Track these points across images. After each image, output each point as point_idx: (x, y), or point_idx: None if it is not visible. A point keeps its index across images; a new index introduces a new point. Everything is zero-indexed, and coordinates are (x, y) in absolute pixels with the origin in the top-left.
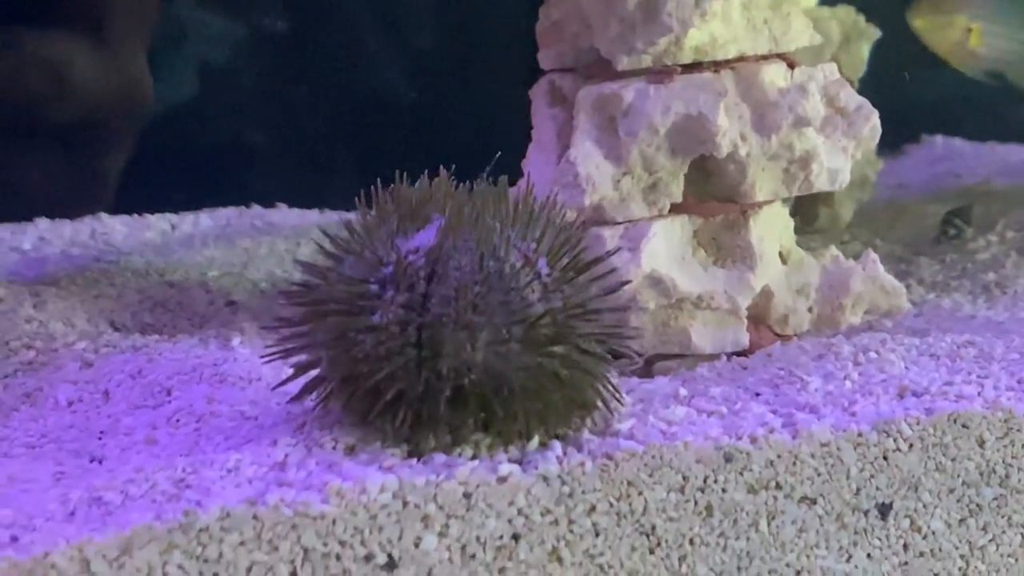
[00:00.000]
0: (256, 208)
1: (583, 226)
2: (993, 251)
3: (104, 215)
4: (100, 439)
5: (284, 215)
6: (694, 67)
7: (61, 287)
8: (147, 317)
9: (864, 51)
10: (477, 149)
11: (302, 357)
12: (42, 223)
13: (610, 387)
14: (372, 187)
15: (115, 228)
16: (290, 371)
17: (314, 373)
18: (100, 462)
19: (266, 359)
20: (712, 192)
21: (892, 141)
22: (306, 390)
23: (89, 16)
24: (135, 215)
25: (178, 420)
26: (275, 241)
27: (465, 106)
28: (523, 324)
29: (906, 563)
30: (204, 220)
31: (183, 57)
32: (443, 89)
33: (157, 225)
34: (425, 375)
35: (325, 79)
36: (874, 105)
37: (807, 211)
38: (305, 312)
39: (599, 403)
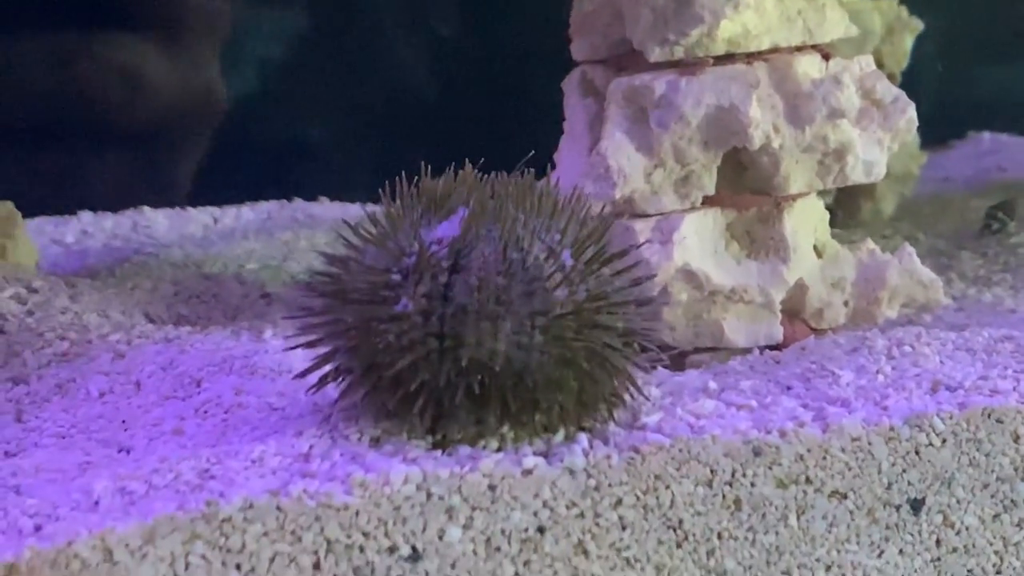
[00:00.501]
0: (298, 202)
1: (609, 219)
2: None
3: (147, 208)
4: (129, 430)
5: (325, 208)
6: (727, 59)
7: (98, 279)
8: (182, 309)
9: (907, 43)
10: (514, 142)
11: (325, 347)
12: (85, 216)
13: (633, 381)
14: (396, 179)
15: (157, 221)
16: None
17: (336, 363)
18: (128, 452)
19: (288, 349)
20: (746, 185)
21: (938, 136)
22: (327, 379)
23: (163, 22)
24: (177, 208)
25: (206, 411)
26: (315, 234)
27: (502, 100)
28: (546, 316)
29: (939, 559)
30: (246, 213)
31: (226, 51)
32: (479, 84)
33: (199, 218)
34: (447, 366)
35: (366, 75)
36: (918, 100)
37: (849, 205)
38: (327, 302)
39: (622, 397)
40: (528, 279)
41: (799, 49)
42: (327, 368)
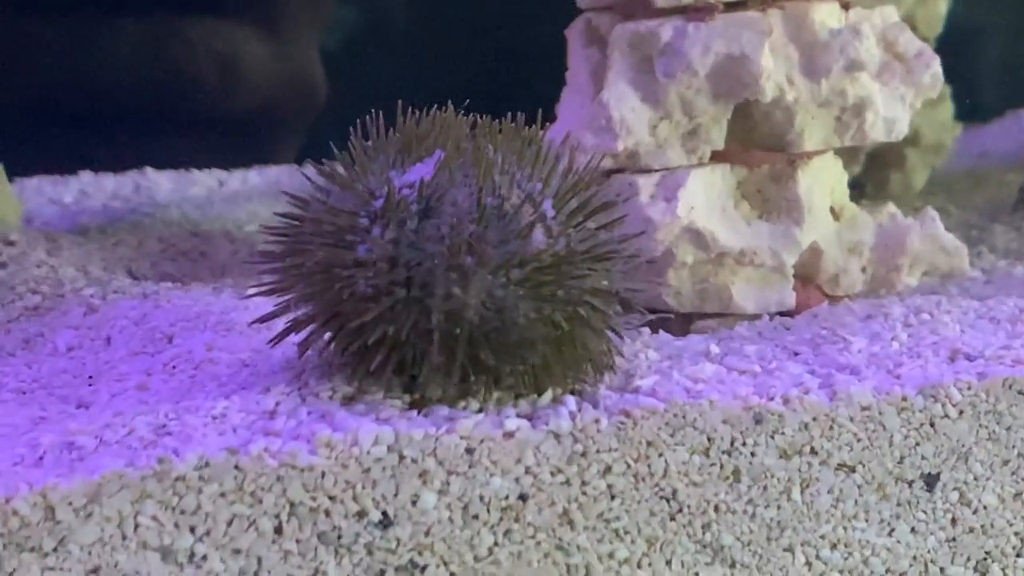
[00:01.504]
0: (309, 168)
1: (598, 171)
2: None
3: (150, 169)
4: (92, 385)
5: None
6: (738, 5)
7: (85, 236)
8: (168, 266)
9: (942, 7)
10: (517, 93)
11: (286, 295)
12: (85, 176)
13: (611, 343)
14: (370, 118)
15: (160, 183)
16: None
17: (298, 312)
18: (87, 408)
19: (245, 297)
20: (757, 141)
21: (977, 112)
22: (288, 330)
23: (261, 8)
24: (182, 170)
25: (174, 367)
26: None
27: (503, 50)
28: (522, 267)
29: (954, 539)
30: (253, 177)
31: None
32: (482, 37)
33: (204, 181)
34: (413, 317)
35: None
36: (955, 72)
37: (877, 176)
38: (289, 245)
39: (606, 359)
40: (504, 228)
41: None
42: (289, 317)
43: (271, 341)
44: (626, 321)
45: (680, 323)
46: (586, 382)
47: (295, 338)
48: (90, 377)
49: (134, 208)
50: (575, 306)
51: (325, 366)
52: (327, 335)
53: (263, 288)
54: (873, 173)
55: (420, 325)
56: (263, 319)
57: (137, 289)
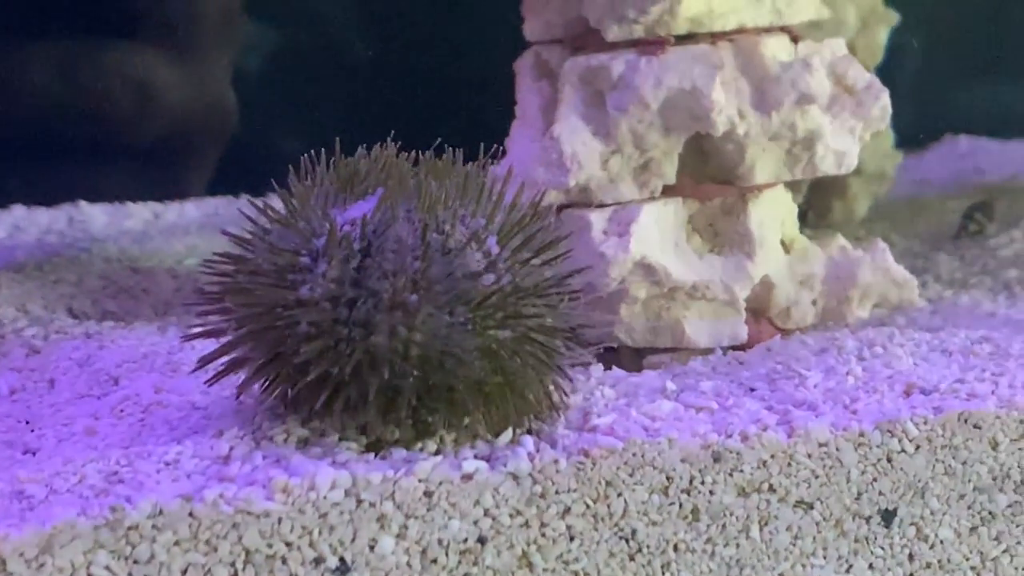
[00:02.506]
0: (246, 198)
1: (543, 206)
2: (1016, 248)
3: (83, 202)
4: (38, 430)
5: (276, 205)
6: (689, 38)
7: (22, 273)
8: (109, 304)
9: (882, 36)
10: (464, 128)
11: (226, 336)
12: (17, 210)
13: (558, 382)
14: (309, 157)
15: (94, 216)
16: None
17: (238, 352)
18: (33, 454)
19: (185, 339)
20: (709, 174)
21: (913, 138)
22: (226, 371)
23: (173, 34)
24: (116, 203)
25: (122, 410)
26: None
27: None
28: (467, 305)
29: (911, 575)
30: (190, 209)
31: None
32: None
33: (139, 213)
34: (356, 356)
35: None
36: (894, 100)
37: (820, 204)
38: (229, 285)
39: (554, 398)
40: (448, 264)
41: (767, 30)
42: (228, 358)
43: (208, 381)
44: (576, 358)
45: (632, 358)
46: (539, 420)
47: (236, 379)
48: (32, 421)
49: (70, 243)
50: (522, 343)
51: (278, 407)
52: (268, 376)
53: (204, 329)
54: (815, 202)
55: (364, 364)
56: (205, 360)
57: (79, 329)
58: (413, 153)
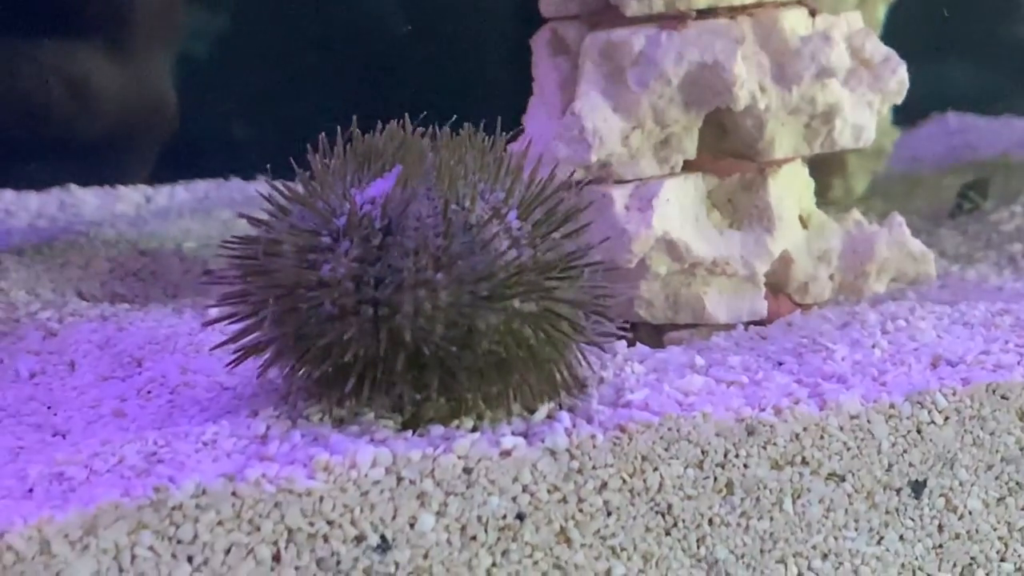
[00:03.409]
0: (235, 181)
1: (562, 181)
2: (1017, 222)
3: (73, 186)
4: (64, 412)
5: (264, 188)
6: (708, 13)
7: (25, 256)
8: (118, 287)
9: (881, 12)
10: (480, 105)
11: (248, 320)
12: (7, 194)
13: (589, 354)
14: (326, 135)
15: (85, 200)
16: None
17: (261, 334)
18: (63, 436)
19: (207, 323)
20: (728, 149)
21: (904, 116)
22: (248, 354)
23: (112, 32)
24: (107, 187)
25: (149, 391)
26: (256, 213)
27: (465, 61)
28: (490, 280)
29: (940, 545)
30: (180, 192)
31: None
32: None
33: (130, 197)
34: (382, 336)
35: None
36: None
37: (819, 181)
38: (250, 267)
39: (574, 373)
40: (470, 240)
41: (784, 4)
42: (249, 340)
43: (230, 364)
44: (601, 331)
45: (651, 334)
46: (569, 395)
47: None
48: (57, 404)
49: (64, 227)
50: (546, 317)
51: (312, 387)
52: (293, 358)
53: (225, 313)
54: (815, 179)
55: (389, 343)
56: (227, 342)
57: (95, 311)
58: (429, 128)
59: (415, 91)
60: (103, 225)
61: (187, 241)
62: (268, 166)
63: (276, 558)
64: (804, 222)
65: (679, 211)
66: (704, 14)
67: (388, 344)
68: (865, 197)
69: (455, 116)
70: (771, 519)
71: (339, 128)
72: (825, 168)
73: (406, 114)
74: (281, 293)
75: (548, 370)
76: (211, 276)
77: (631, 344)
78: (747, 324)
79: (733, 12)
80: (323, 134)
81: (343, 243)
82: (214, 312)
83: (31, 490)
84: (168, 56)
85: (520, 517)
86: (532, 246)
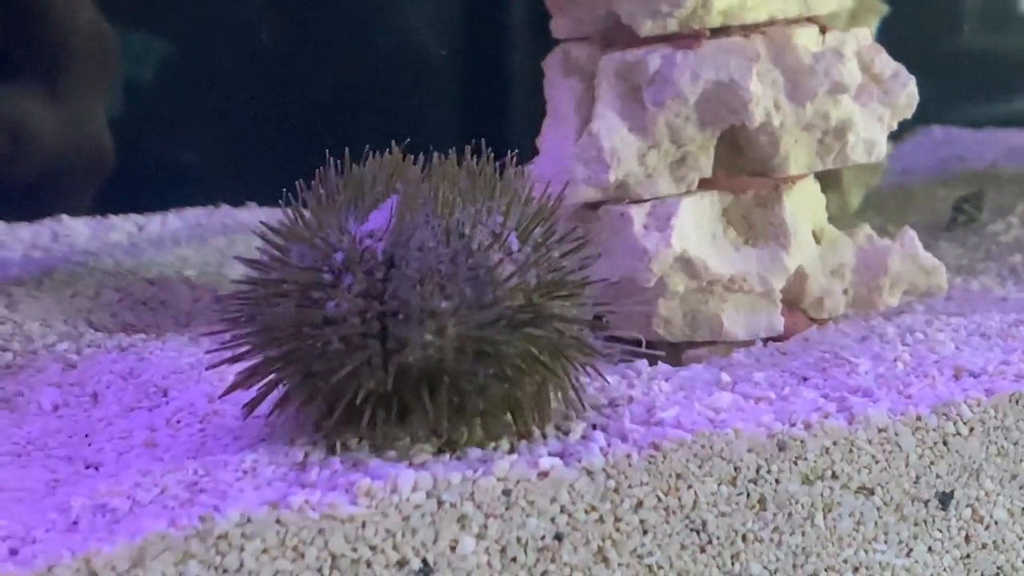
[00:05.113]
0: (225, 207)
1: (555, 197)
2: (1015, 233)
3: (65, 217)
4: (93, 444)
5: (255, 214)
6: (722, 31)
7: (31, 287)
8: (128, 316)
9: (873, 26)
10: (490, 127)
11: (252, 361)
12: None
13: (600, 375)
14: (317, 171)
15: (77, 230)
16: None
17: (268, 375)
18: (96, 468)
19: (211, 367)
20: (742, 166)
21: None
22: (261, 397)
23: (47, 73)
24: (98, 216)
25: (179, 421)
26: (250, 239)
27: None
28: (496, 306)
29: (968, 556)
30: (172, 220)
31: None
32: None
33: (122, 226)
34: (392, 370)
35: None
36: None
37: None
38: (252, 309)
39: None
40: (474, 268)
41: (795, 22)
42: (261, 383)
43: (245, 406)
44: (617, 350)
45: (669, 352)
46: (578, 416)
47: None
48: (86, 436)
49: (63, 257)
50: (554, 339)
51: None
52: (299, 395)
53: (229, 356)
54: None
55: (399, 378)
56: (232, 388)
57: (112, 342)
58: (419, 155)
59: (412, 116)
60: (100, 255)
61: (186, 269)
62: (285, 190)
63: None
64: (817, 237)
65: (696, 229)
66: (718, 32)
67: (398, 377)
68: (860, 211)
69: (452, 139)
70: (803, 534)
71: (327, 154)
72: (820, 183)
73: (392, 141)
74: (286, 334)
75: (562, 390)
76: (221, 306)
77: (652, 363)
78: (765, 340)
79: (746, 30)
80: (319, 168)
81: (346, 277)
82: (217, 356)
83: (76, 522)
84: (104, 98)
85: (558, 537)
86: (535, 267)
